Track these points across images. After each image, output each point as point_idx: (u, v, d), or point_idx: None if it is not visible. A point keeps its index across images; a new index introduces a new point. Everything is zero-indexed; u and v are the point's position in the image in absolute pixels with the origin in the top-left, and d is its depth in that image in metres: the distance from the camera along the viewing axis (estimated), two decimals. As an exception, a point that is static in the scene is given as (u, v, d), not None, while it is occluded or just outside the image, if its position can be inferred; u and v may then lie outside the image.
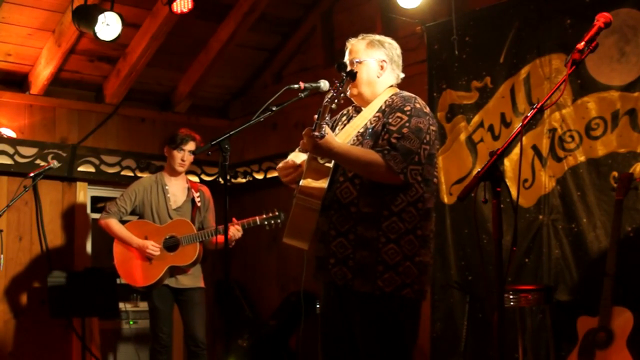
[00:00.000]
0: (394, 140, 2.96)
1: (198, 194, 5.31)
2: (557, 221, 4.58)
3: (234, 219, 5.08)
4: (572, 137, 4.56)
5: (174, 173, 5.31)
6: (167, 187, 5.29)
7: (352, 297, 3.02)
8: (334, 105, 2.93)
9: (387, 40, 3.27)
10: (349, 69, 3.00)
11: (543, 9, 4.72)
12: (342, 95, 2.95)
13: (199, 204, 5.28)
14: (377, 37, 3.26)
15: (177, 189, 5.32)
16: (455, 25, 5.11)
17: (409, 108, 3.03)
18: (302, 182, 3.02)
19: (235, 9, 6.18)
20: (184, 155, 5.23)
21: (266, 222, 5.14)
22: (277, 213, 5.12)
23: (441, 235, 5.12)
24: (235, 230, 5.07)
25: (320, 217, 3.05)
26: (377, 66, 3.19)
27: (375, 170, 2.94)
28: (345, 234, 3.01)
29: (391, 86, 3.22)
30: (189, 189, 5.33)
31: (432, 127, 3.07)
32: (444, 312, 5.08)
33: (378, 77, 3.19)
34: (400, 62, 3.27)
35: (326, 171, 3.04)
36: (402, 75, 3.28)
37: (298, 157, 3.27)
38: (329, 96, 2.92)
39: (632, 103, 4.31)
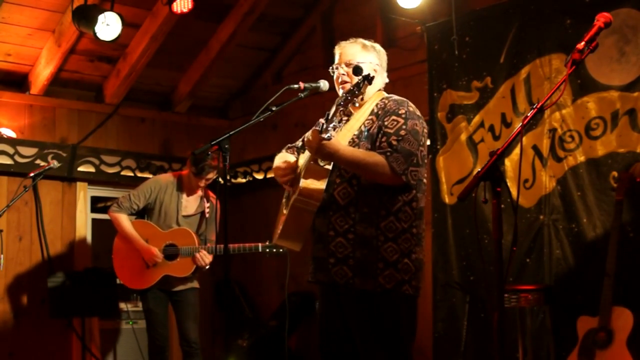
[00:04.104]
0: (394, 142, 2.99)
1: (209, 204, 5.27)
2: (557, 221, 4.57)
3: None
4: (572, 137, 4.56)
5: (190, 191, 5.28)
6: (182, 194, 5.26)
7: (352, 296, 3.04)
8: (345, 108, 2.94)
9: (376, 45, 3.31)
10: (365, 72, 2.99)
11: (543, 9, 4.72)
12: (359, 98, 2.95)
13: (207, 215, 5.26)
14: (366, 41, 3.28)
15: (191, 197, 5.28)
16: (455, 25, 5.11)
17: (403, 111, 3.08)
18: (302, 184, 3.01)
19: (235, 9, 6.18)
20: (202, 182, 5.19)
21: (267, 250, 5.12)
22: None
23: (443, 236, 5.12)
24: (204, 257, 5.06)
25: (317, 219, 3.07)
26: (372, 69, 3.20)
27: (380, 172, 2.97)
28: (344, 234, 3.04)
29: (379, 90, 3.25)
30: (202, 199, 5.27)
31: (425, 130, 3.13)
32: (446, 312, 5.08)
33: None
34: (385, 67, 3.31)
35: (325, 173, 3.05)
36: (387, 80, 3.32)
37: (285, 158, 3.29)
38: (342, 99, 2.93)
39: (631, 103, 4.31)
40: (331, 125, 2.93)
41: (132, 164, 6.52)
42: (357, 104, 3.00)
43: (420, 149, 3.05)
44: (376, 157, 2.98)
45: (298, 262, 3.66)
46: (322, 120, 3.25)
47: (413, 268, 3.04)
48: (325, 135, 2.90)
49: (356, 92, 2.92)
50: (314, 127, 3.22)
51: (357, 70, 3.03)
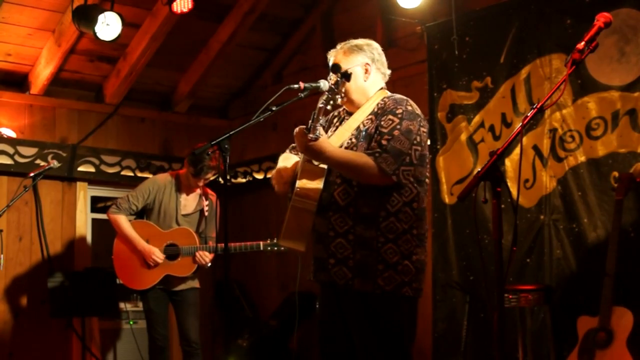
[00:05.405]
0: (384, 142, 2.98)
1: (207, 202, 5.26)
2: (558, 221, 4.57)
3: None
4: (572, 137, 4.55)
5: (188, 190, 5.28)
6: (181, 193, 5.24)
7: (352, 297, 3.03)
8: (328, 107, 2.95)
9: (365, 42, 3.27)
10: (343, 70, 3.00)
11: (543, 9, 4.72)
12: (337, 97, 2.96)
13: (206, 214, 5.26)
14: (354, 41, 3.26)
15: (190, 196, 5.27)
16: (455, 25, 5.10)
17: (400, 111, 3.06)
18: (297, 184, 3.02)
19: (235, 9, 6.18)
20: (200, 182, 5.19)
21: (269, 248, 5.13)
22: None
23: (443, 236, 5.12)
24: (204, 256, 5.07)
25: (317, 219, 3.06)
26: (362, 71, 3.19)
27: (368, 173, 2.96)
28: (344, 235, 3.03)
29: (382, 89, 3.24)
30: (200, 197, 5.27)
31: (422, 129, 3.09)
32: (446, 312, 5.08)
33: (365, 81, 3.20)
34: (383, 59, 3.27)
35: (321, 172, 3.05)
36: (389, 72, 3.29)
37: (289, 159, 3.28)
38: (324, 98, 2.95)
39: (632, 103, 4.31)
40: (318, 124, 2.92)
41: (132, 164, 6.52)
42: (338, 101, 3.01)
43: (414, 147, 3.02)
44: (364, 158, 2.96)
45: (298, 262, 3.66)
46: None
47: (413, 270, 3.02)
48: (311, 135, 2.89)
49: (335, 90, 2.94)
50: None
51: (335, 68, 3.03)
